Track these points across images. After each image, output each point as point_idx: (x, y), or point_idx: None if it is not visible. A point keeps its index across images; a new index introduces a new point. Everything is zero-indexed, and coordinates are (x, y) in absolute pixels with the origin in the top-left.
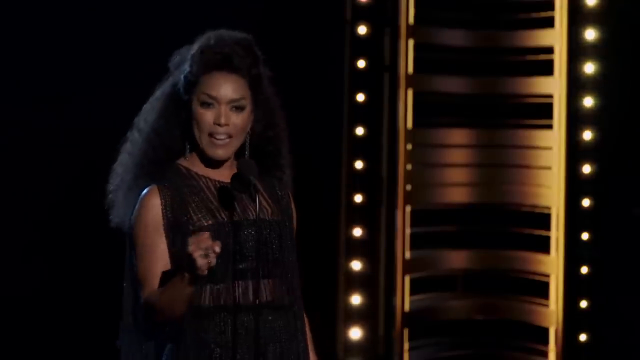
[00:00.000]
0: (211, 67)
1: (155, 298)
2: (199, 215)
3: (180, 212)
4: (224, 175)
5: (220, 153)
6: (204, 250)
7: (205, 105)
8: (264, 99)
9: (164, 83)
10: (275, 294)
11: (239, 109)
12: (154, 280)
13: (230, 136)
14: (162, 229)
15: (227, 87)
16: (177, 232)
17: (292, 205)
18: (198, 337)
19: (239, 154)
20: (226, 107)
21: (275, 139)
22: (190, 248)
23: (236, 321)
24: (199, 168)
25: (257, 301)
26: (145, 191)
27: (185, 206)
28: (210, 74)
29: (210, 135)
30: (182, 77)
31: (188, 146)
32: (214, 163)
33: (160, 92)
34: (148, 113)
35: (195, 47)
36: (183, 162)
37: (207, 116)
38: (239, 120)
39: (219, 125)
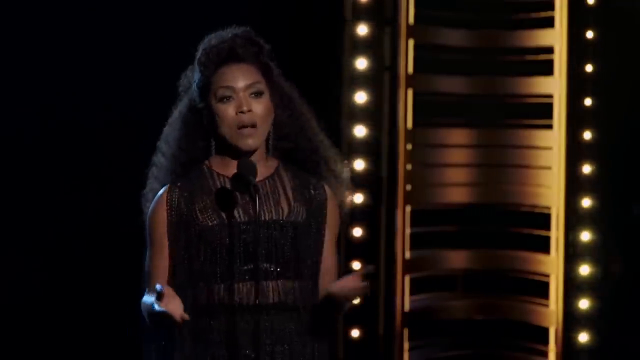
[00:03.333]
0: (219, 64)
1: (143, 303)
2: (205, 215)
3: (186, 211)
4: None
5: (250, 142)
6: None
7: (225, 99)
8: (279, 87)
9: (178, 105)
10: (285, 296)
11: (258, 94)
12: (155, 279)
13: (254, 125)
14: (166, 227)
15: (239, 75)
16: (181, 230)
17: (329, 205)
18: (203, 336)
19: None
20: (245, 95)
21: (305, 128)
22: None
23: (241, 321)
24: (221, 167)
25: (257, 301)
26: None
27: (193, 206)
28: (219, 70)
29: (237, 127)
30: (195, 86)
31: (213, 144)
32: (238, 158)
33: (177, 112)
34: (169, 134)
35: (198, 55)
36: (209, 161)
37: (229, 109)
38: (260, 105)
39: (242, 112)
